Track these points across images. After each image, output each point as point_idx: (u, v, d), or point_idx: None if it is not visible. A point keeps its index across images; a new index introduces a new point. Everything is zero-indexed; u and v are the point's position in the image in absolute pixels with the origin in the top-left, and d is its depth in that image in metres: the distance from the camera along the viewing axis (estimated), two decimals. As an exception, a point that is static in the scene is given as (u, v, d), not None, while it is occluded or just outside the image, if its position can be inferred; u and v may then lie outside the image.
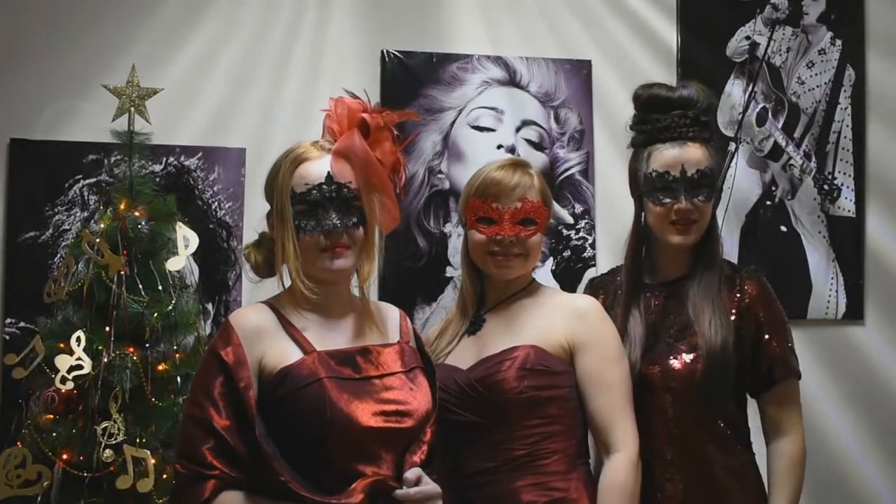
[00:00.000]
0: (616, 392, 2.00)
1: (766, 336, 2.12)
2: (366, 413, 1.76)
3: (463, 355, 2.07)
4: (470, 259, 2.13)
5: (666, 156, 2.13)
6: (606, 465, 1.98)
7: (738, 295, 2.13)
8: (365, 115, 1.88)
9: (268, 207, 1.92)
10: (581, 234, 3.19)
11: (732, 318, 2.11)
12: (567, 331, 2.02)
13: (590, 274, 3.07)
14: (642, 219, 2.20)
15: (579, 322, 2.03)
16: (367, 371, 1.82)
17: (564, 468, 1.97)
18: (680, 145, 2.13)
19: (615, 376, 2.01)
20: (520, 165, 2.12)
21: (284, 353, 1.79)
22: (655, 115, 2.17)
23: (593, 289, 2.31)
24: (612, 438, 1.98)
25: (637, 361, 2.08)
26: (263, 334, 1.80)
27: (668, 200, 2.11)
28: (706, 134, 2.17)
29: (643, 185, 2.17)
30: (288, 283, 1.90)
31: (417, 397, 1.85)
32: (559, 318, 2.04)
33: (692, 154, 2.12)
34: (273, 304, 1.87)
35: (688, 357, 2.08)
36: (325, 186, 1.83)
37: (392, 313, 2.01)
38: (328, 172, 1.84)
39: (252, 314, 1.85)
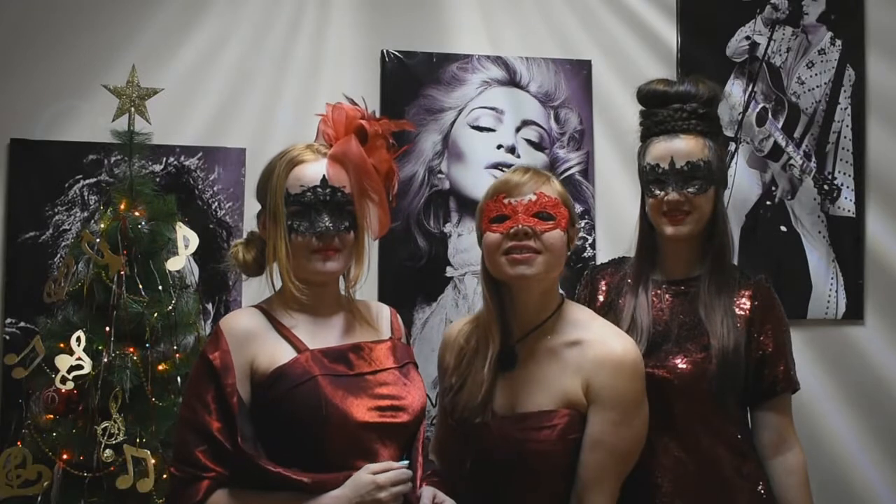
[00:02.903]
0: (607, 456, 1.89)
1: (772, 349, 2.12)
2: (361, 408, 1.78)
3: (497, 394, 1.96)
4: (490, 278, 1.97)
5: (658, 149, 2.15)
6: None
7: (748, 303, 2.13)
8: (363, 122, 1.89)
9: (265, 208, 1.93)
10: (581, 234, 3.19)
11: (741, 323, 2.10)
12: (588, 381, 1.90)
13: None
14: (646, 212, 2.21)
15: (600, 372, 1.90)
16: (360, 367, 1.84)
17: None
18: (671, 138, 2.14)
19: (615, 440, 1.90)
20: (532, 168, 2.03)
21: (277, 354, 1.80)
22: (654, 110, 2.19)
23: (593, 275, 2.31)
24: (584, 500, 1.90)
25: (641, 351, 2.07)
26: (253, 337, 1.81)
27: (659, 192, 2.13)
28: (703, 126, 2.15)
29: (640, 178, 2.20)
30: (277, 282, 1.90)
31: (412, 392, 1.87)
32: (585, 366, 1.91)
33: (683, 146, 2.13)
34: (264, 307, 1.89)
35: (698, 356, 2.07)
36: (319, 189, 1.84)
37: (383, 311, 2.03)
38: (324, 176, 1.85)
39: (241, 318, 1.86)
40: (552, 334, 1.96)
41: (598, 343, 1.93)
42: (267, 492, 1.74)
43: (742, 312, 2.12)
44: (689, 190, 2.11)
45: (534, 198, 1.94)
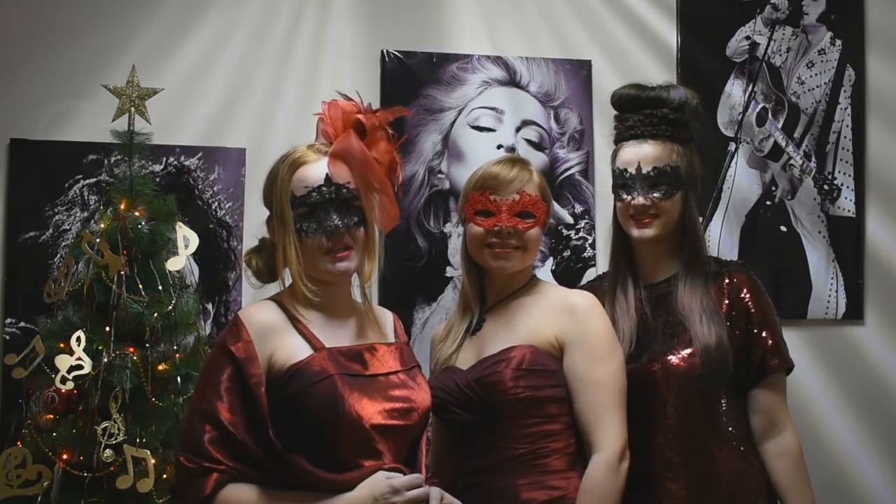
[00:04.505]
0: (601, 391, 1.97)
1: (757, 328, 2.12)
2: (375, 409, 1.79)
3: (464, 356, 2.08)
4: (469, 256, 2.13)
5: (626, 153, 2.19)
6: (588, 467, 1.95)
7: (727, 287, 2.15)
8: (360, 117, 1.89)
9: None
10: (581, 234, 3.19)
11: (722, 310, 2.12)
12: (557, 328, 2.02)
13: (590, 274, 3.08)
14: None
15: (569, 318, 2.02)
16: (375, 368, 1.85)
17: (564, 466, 1.97)
18: (640, 143, 2.18)
19: (601, 374, 1.98)
20: (518, 161, 2.15)
21: (294, 350, 1.81)
22: (626, 114, 2.23)
23: None
24: (594, 438, 1.96)
25: (627, 356, 2.08)
26: (273, 331, 1.82)
27: (626, 196, 2.17)
28: (673, 132, 2.18)
29: (612, 181, 2.24)
30: (289, 282, 1.91)
31: (420, 395, 1.89)
32: (551, 315, 2.04)
33: (650, 152, 2.16)
34: (280, 301, 1.89)
35: (686, 352, 2.09)
36: (324, 188, 1.84)
37: (387, 316, 2.04)
38: (326, 174, 1.85)
39: (262, 311, 1.85)
40: (520, 298, 2.11)
41: (560, 296, 2.09)
42: (280, 490, 1.74)
43: (721, 300, 2.13)
44: (655, 195, 2.14)
45: (517, 197, 2.06)
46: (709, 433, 2.08)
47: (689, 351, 2.08)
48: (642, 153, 2.16)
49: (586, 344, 2.00)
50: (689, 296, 2.12)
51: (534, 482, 1.95)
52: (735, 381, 2.11)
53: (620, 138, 2.23)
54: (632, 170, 2.16)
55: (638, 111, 2.20)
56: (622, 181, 2.18)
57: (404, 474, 1.80)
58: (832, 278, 3.28)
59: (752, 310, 2.13)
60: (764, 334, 2.12)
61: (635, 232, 2.17)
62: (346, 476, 1.75)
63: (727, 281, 2.16)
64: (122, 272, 2.36)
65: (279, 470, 1.74)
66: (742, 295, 2.14)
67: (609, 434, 1.95)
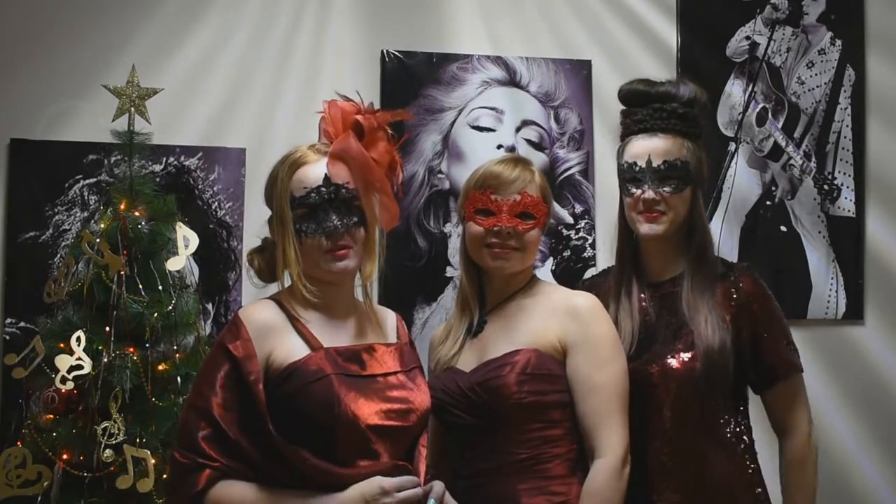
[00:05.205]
0: (604, 395, 1.95)
1: (765, 333, 2.11)
2: (372, 410, 1.79)
3: (465, 358, 2.06)
4: (468, 256, 2.12)
5: (635, 147, 2.15)
6: (590, 472, 1.94)
7: (734, 292, 2.12)
8: (359, 117, 1.89)
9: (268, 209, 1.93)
10: (581, 234, 3.19)
11: (728, 315, 2.09)
12: (559, 331, 2.00)
13: (590, 274, 3.08)
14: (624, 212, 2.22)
15: (572, 321, 2.00)
16: (373, 368, 1.85)
17: (565, 472, 1.96)
18: (650, 137, 2.14)
19: (604, 379, 1.96)
20: (520, 161, 2.13)
21: (292, 350, 1.81)
22: (634, 109, 2.20)
23: (584, 289, 2.29)
24: (597, 443, 1.94)
25: (627, 356, 2.06)
26: (272, 331, 1.82)
27: (635, 190, 2.13)
28: (683, 127, 2.15)
29: (619, 177, 2.20)
30: (288, 283, 1.91)
31: (419, 396, 1.89)
32: (554, 317, 2.02)
33: (660, 145, 2.13)
34: (280, 300, 1.89)
35: (686, 355, 2.06)
36: (323, 189, 1.84)
37: (389, 316, 2.03)
38: (325, 175, 1.85)
39: (261, 310, 1.86)
40: (521, 299, 2.09)
41: (562, 297, 2.07)
42: (274, 488, 1.75)
43: (727, 305, 2.11)
44: (665, 189, 2.10)
45: (518, 198, 2.04)
46: (705, 438, 2.07)
47: (689, 354, 2.06)
48: (652, 146, 2.13)
49: (590, 347, 1.98)
50: (694, 296, 2.10)
51: (534, 487, 1.94)
52: (738, 384, 2.11)
53: (628, 132, 2.19)
54: (641, 163, 2.12)
55: (647, 105, 2.17)
56: (631, 175, 2.13)
57: (410, 472, 1.80)
58: (832, 278, 3.28)
59: (759, 314, 2.11)
60: (772, 340, 2.11)
61: (643, 228, 2.13)
62: (346, 470, 1.75)
63: (733, 284, 2.13)
64: (122, 272, 2.36)
65: (276, 467, 1.75)
66: (748, 299, 2.11)
67: (612, 439, 1.94)
